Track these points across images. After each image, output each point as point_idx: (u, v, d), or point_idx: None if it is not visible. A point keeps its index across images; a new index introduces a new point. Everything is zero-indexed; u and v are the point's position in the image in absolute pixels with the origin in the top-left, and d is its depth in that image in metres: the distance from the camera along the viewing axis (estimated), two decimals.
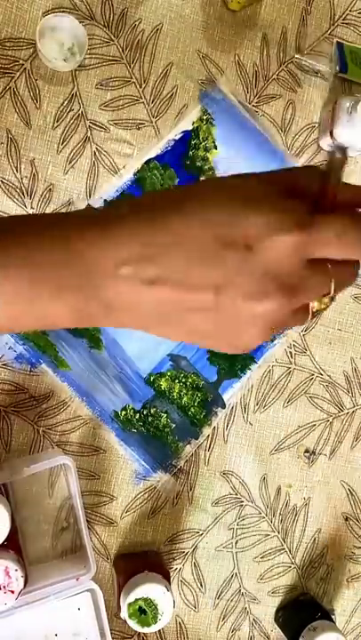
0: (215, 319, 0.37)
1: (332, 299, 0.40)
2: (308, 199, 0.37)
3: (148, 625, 0.68)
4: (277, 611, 0.78)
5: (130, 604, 0.67)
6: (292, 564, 0.78)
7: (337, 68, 0.77)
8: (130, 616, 0.68)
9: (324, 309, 0.41)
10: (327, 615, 0.75)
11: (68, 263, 0.37)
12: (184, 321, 0.38)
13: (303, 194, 0.37)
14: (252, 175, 0.38)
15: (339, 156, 0.36)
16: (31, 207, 0.71)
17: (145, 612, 0.68)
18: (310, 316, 0.40)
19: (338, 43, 0.78)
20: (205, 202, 0.37)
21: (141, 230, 0.37)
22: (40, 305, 0.38)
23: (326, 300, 0.40)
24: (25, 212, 0.71)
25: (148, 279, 0.37)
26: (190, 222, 0.36)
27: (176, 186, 0.36)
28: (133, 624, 0.68)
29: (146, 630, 0.69)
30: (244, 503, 0.77)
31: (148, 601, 0.68)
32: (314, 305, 0.39)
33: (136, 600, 0.67)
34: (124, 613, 0.68)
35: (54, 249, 0.37)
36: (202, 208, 0.36)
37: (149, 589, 0.67)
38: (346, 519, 0.80)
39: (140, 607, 0.68)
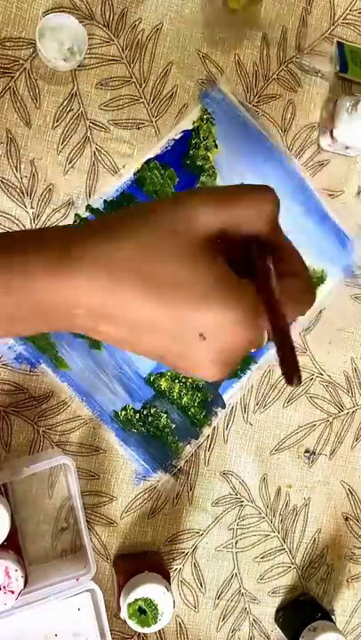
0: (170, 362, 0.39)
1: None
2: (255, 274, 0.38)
3: (148, 625, 0.68)
4: (277, 611, 0.78)
5: (130, 605, 0.67)
6: (292, 564, 0.78)
7: (337, 67, 0.77)
8: (130, 616, 0.68)
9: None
10: (327, 615, 0.75)
11: (22, 300, 0.37)
12: (139, 351, 0.39)
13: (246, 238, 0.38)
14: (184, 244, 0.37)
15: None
16: (31, 207, 0.71)
17: (145, 612, 0.68)
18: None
19: (338, 43, 0.78)
20: (148, 301, 0.36)
21: (98, 284, 0.36)
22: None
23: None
24: (25, 212, 0.71)
25: (102, 331, 0.38)
26: (152, 304, 0.36)
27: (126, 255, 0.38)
28: (133, 624, 0.68)
29: (146, 630, 0.69)
30: (244, 503, 0.77)
31: (148, 601, 0.68)
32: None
33: (136, 600, 0.67)
34: (124, 613, 0.68)
35: (11, 283, 0.37)
36: (149, 309, 0.36)
37: (149, 589, 0.67)
38: (346, 519, 0.80)
39: (140, 607, 0.68)
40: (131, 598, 0.67)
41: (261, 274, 0.38)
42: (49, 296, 0.36)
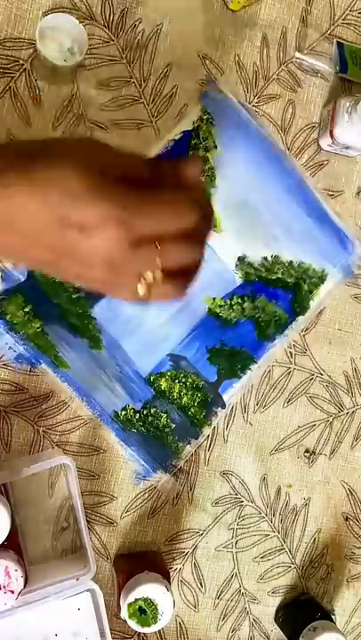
0: (53, 270, 0.47)
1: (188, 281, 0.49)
2: (135, 183, 0.45)
3: (148, 625, 0.68)
4: (277, 611, 0.78)
5: (130, 604, 0.67)
6: (292, 564, 0.78)
7: (337, 67, 0.77)
8: (130, 616, 0.68)
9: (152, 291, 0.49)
10: (327, 615, 0.75)
11: None
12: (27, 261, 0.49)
13: (133, 179, 0.45)
14: (94, 158, 0.46)
15: None
16: None
17: (145, 612, 0.68)
18: (142, 290, 0.47)
19: (338, 43, 0.78)
20: (52, 183, 0.43)
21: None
22: None
23: (158, 274, 0.47)
24: None
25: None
26: (38, 200, 0.43)
27: (33, 147, 0.47)
28: (133, 624, 0.68)
29: (146, 630, 0.69)
30: (244, 503, 0.77)
31: (148, 601, 0.68)
32: (145, 279, 0.47)
33: (136, 600, 0.67)
34: (124, 613, 0.68)
35: None
36: (48, 188, 0.43)
37: (149, 589, 0.67)
38: (346, 519, 0.80)
39: (140, 607, 0.68)
40: (131, 598, 0.67)
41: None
42: None
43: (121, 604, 0.68)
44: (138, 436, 0.74)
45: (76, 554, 0.73)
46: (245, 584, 0.77)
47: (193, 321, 0.75)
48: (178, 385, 0.75)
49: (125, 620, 0.69)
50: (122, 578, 0.70)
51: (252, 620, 0.78)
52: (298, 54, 0.77)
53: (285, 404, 0.78)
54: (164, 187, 0.47)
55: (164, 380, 0.75)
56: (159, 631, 0.75)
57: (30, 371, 0.72)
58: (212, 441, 0.76)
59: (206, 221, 0.48)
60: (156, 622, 0.68)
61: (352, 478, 0.80)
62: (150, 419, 0.75)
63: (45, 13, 0.71)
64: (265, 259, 0.77)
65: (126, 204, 0.43)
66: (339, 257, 0.79)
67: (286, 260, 0.77)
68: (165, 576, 0.70)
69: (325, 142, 0.76)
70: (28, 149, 0.45)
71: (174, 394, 0.75)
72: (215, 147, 0.75)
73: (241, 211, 0.76)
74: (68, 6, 0.72)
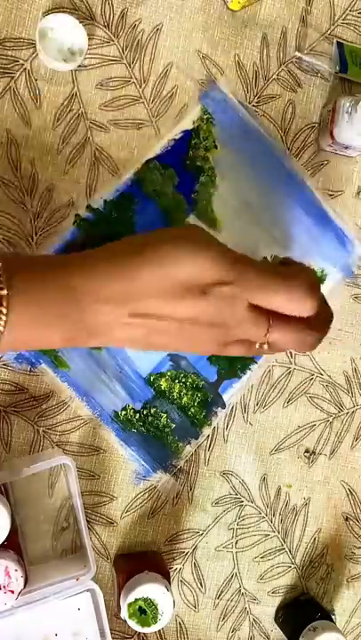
0: (175, 339, 0.53)
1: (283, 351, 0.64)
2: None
3: (148, 625, 0.68)
4: (277, 611, 0.78)
5: (130, 604, 0.67)
6: (292, 563, 0.78)
7: (337, 67, 0.77)
8: (130, 616, 0.68)
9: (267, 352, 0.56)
10: (327, 615, 0.75)
11: (61, 299, 0.50)
12: (150, 340, 0.53)
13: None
14: (196, 233, 0.54)
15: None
16: (31, 206, 0.71)
17: (145, 612, 0.68)
18: (251, 351, 0.56)
19: (338, 43, 0.78)
20: (167, 257, 0.51)
21: (117, 277, 0.51)
22: (37, 330, 0.50)
23: (265, 347, 0.55)
24: (24, 212, 0.71)
25: (123, 314, 0.51)
26: (156, 273, 0.50)
27: (143, 236, 0.55)
28: (133, 624, 0.68)
29: (146, 630, 0.69)
30: (244, 503, 0.77)
31: (148, 601, 0.68)
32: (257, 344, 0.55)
33: (136, 600, 0.67)
34: (124, 613, 0.68)
35: (53, 288, 0.50)
36: (164, 263, 0.50)
37: (149, 589, 0.67)
38: (346, 519, 0.80)
39: (140, 607, 0.68)
40: (131, 598, 0.67)
41: None
42: (81, 293, 0.51)
43: (121, 604, 0.68)
44: (138, 436, 0.74)
45: (76, 554, 0.73)
46: (245, 584, 0.77)
47: None
48: (178, 385, 0.75)
49: (125, 620, 0.69)
50: (122, 578, 0.70)
51: (252, 619, 0.78)
52: (298, 54, 0.77)
53: (285, 404, 0.78)
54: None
55: (164, 380, 0.75)
56: (159, 631, 0.75)
57: (30, 371, 0.72)
58: (212, 441, 0.76)
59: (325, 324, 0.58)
60: (156, 622, 0.68)
61: (352, 478, 0.80)
62: (150, 419, 0.75)
63: (45, 13, 0.71)
64: (265, 259, 0.77)
65: (234, 267, 0.52)
66: (339, 257, 0.79)
67: None
68: (165, 576, 0.70)
69: (325, 142, 0.76)
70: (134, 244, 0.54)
71: (174, 394, 0.75)
72: (215, 146, 0.75)
73: (240, 211, 0.76)
74: (68, 6, 0.72)
